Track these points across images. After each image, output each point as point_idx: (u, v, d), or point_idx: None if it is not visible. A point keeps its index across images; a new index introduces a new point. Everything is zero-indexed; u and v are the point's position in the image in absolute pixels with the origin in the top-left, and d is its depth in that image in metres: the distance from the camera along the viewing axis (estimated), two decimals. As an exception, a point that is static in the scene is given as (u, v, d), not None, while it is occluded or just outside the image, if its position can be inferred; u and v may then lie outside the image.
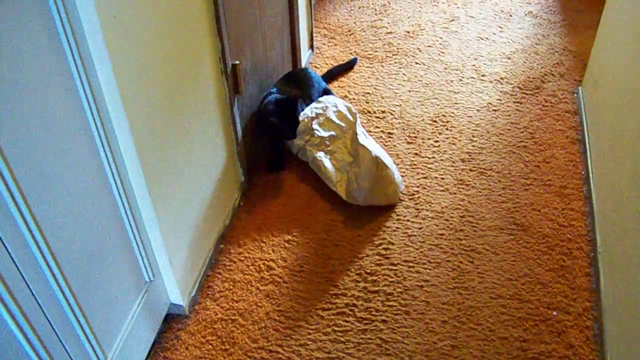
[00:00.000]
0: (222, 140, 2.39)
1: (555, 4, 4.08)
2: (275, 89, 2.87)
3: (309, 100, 2.98)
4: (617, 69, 2.65)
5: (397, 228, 2.57)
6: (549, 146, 2.96)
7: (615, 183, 2.40)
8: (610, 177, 2.50)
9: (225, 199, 2.53)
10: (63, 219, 1.52)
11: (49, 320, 1.49)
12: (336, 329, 2.20)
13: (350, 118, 2.82)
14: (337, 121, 2.83)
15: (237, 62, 2.31)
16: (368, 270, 2.40)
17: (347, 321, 2.22)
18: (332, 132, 2.80)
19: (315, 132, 2.79)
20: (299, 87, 2.96)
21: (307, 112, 2.88)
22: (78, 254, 1.61)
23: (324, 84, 3.14)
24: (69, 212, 1.55)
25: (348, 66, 3.50)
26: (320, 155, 2.74)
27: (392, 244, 2.51)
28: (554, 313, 2.24)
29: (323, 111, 2.87)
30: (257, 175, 2.81)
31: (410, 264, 2.42)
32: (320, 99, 2.95)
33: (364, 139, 2.72)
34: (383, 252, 2.47)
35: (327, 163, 2.72)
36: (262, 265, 2.41)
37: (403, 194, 2.72)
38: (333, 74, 3.43)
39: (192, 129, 2.09)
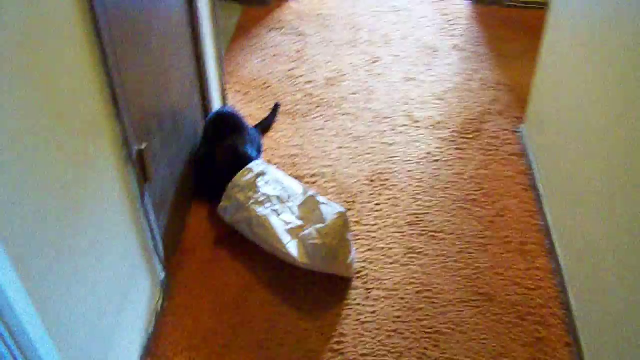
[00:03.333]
0: (133, 239, 2.08)
1: (479, 35, 4.00)
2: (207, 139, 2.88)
3: (250, 144, 2.89)
4: (564, 106, 2.55)
5: (348, 315, 2.33)
6: (500, 197, 2.81)
7: (581, 234, 2.28)
8: (574, 228, 2.37)
9: (144, 304, 2.21)
10: None
11: None
12: None
13: (299, 189, 2.61)
14: (285, 184, 2.61)
15: (144, 146, 2.02)
16: (321, 374, 2.14)
17: None
18: (279, 194, 2.57)
19: (260, 188, 2.55)
20: (235, 132, 2.87)
21: (252, 166, 2.64)
22: None
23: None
24: None
25: (275, 113, 3.33)
26: (266, 212, 2.48)
27: (345, 335, 2.26)
28: (539, 398, 2.05)
29: (268, 172, 2.65)
30: (180, 267, 2.51)
31: (369, 358, 2.17)
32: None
33: (322, 200, 2.56)
34: (336, 347, 2.22)
35: (275, 221, 2.46)
36: (194, 384, 2.11)
37: (349, 271, 2.48)
38: (268, 125, 3.27)
39: (93, 237, 1.78)
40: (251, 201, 2.51)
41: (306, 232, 2.41)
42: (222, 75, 3.22)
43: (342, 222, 2.39)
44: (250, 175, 2.59)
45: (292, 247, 2.40)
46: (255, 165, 2.66)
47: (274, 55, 3.77)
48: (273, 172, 2.68)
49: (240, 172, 2.62)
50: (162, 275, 2.38)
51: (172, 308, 2.36)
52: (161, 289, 2.38)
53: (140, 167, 2.04)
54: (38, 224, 1.47)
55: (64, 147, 1.60)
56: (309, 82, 3.54)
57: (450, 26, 4.09)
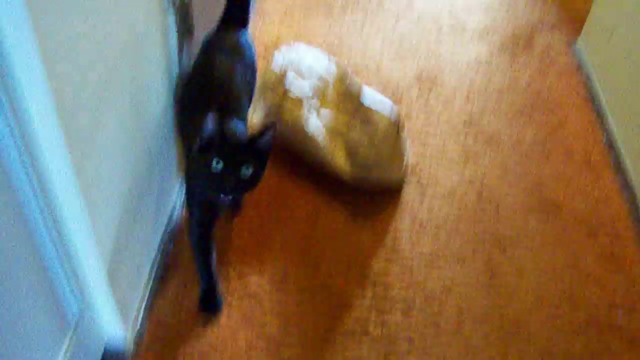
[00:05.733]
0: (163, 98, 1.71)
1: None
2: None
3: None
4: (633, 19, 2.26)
5: (403, 213, 2.02)
6: (559, 107, 2.49)
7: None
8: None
9: (169, 177, 1.86)
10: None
11: None
12: (347, 354, 1.62)
13: (333, 67, 2.21)
14: (317, 68, 2.19)
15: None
16: (376, 271, 1.83)
17: (360, 342, 1.65)
18: (315, 81, 2.15)
19: (293, 83, 2.10)
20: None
21: (278, 59, 2.19)
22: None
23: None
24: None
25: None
26: (305, 114, 2.05)
27: (401, 234, 1.94)
28: (619, 312, 1.78)
29: (296, 61, 2.19)
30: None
31: (429, 260, 1.87)
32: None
33: (367, 92, 2.14)
34: (391, 245, 1.91)
35: (315, 124, 2.05)
36: (232, 272, 1.78)
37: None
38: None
39: (126, 88, 1.40)
40: (286, 99, 2.05)
41: (353, 136, 2.04)
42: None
43: (395, 129, 2.02)
44: (277, 71, 2.14)
45: (338, 156, 2.01)
46: (280, 57, 2.19)
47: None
48: (303, 58, 2.22)
49: (263, 72, 2.13)
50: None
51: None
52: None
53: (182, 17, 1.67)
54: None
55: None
56: (345, -23, 3.14)
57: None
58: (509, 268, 1.87)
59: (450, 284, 1.81)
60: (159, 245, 1.76)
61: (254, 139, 1.37)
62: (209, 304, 1.68)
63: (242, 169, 1.34)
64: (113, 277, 1.41)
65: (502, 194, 2.10)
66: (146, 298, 1.67)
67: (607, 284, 1.85)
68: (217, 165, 1.33)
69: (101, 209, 1.29)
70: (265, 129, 1.37)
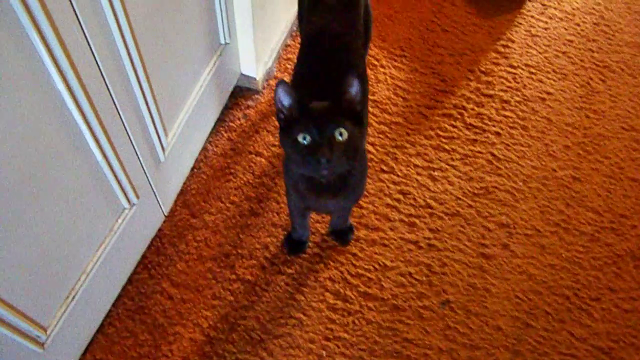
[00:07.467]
0: None
1: None
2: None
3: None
4: None
5: (520, 24, 2.10)
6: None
7: None
8: None
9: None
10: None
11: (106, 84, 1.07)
12: (440, 133, 1.81)
13: None
14: None
15: None
16: (482, 69, 1.96)
17: (454, 126, 1.83)
18: None
19: None
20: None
21: None
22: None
23: None
24: None
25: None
26: None
27: (513, 41, 2.05)
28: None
29: None
30: None
31: (532, 70, 1.99)
32: None
33: None
34: (501, 49, 2.02)
35: None
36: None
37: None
38: None
39: None
40: None
41: None
42: None
43: None
44: None
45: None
46: None
47: None
48: None
49: None
50: None
51: None
52: None
53: None
54: None
55: None
56: None
57: None
58: (604, 95, 1.97)
59: (546, 96, 1.93)
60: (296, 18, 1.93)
61: (338, 97, 1.12)
62: (296, 250, 1.61)
63: (335, 135, 1.08)
64: (256, 24, 1.61)
65: (618, 28, 2.13)
66: (277, 48, 1.87)
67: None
68: (304, 140, 1.09)
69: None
70: (346, 81, 1.10)
